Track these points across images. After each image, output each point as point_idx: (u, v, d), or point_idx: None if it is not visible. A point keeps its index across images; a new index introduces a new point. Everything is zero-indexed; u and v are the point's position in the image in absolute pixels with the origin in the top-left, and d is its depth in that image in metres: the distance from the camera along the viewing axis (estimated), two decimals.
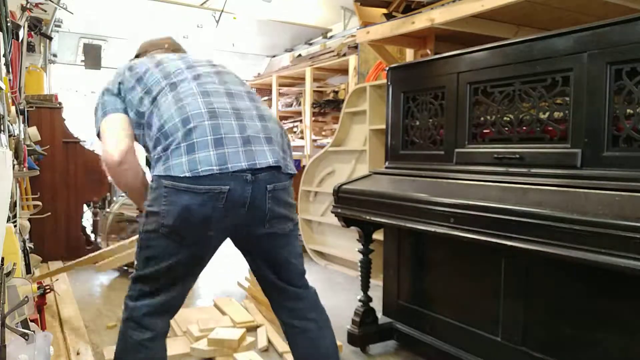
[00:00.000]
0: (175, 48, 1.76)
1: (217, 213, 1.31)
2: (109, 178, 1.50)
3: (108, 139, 1.43)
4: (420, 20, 2.64)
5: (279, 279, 1.53)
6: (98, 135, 1.50)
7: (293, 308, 1.55)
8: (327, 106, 5.35)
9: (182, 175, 1.27)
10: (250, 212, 1.37)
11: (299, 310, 1.54)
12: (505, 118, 1.86)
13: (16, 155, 2.10)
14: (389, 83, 2.36)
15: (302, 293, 1.56)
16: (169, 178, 1.29)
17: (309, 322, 1.54)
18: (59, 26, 5.53)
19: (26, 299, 0.99)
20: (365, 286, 2.36)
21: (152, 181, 1.37)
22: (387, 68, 2.41)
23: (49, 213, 3.23)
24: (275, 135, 1.43)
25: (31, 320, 1.25)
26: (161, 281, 1.40)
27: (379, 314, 2.42)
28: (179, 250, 1.36)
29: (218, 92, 1.42)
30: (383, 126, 2.59)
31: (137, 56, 1.75)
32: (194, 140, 1.29)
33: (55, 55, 6.20)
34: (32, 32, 3.88)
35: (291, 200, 1.49)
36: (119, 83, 1.50)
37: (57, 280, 3.30)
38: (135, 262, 1.44)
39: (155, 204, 1.34)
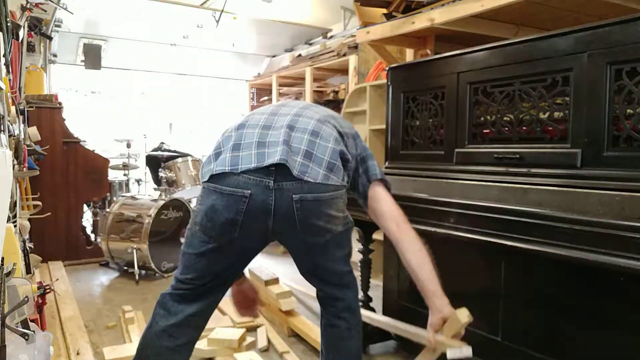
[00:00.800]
0: None
1: (240, 217, 1.37)
2: None
3: None
4: (420, 20, 2.64)
5: (316, 278, 1.57)
6: None
7: (329, 305, 1.59)
8: (327, 106, 5.35)
9: (207, 178, 1.39)
10: (280, 221, 1.39)
11: (334, 308, 1.58)
12: (505, 118, 1.86)
13: (16, 155, 2.10)
14: (389, 83, 2.36)
15: (338, 293, 1.57)
16: (203, 182, 1.43)
17: (339, 320, 1.57)
18: (59, 26, 5.53)
19: (26, 299, 0.99)
20: (365, 286, 2.36)
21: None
22: (387, 68, 2.41)
23: (49, 213, 3.23)
24: (297, 141, 1.41)
25: (31, 320, 1.25)
26: (194, 277, 1.46)
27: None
28: (207, 248, 1.43)
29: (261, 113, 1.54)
30: (383, 126, 2.59)
31: None
32: (221, 149, 1.44)
33: (55, 55, 6.20)
34: (32, 32, 3.88)
35: (332, 212, 1.43)
36: None
37: (57, 280, 3.30)
38: None
39: (196, 204, 1.48)
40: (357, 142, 1.61)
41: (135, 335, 2.48)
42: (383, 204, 1.57)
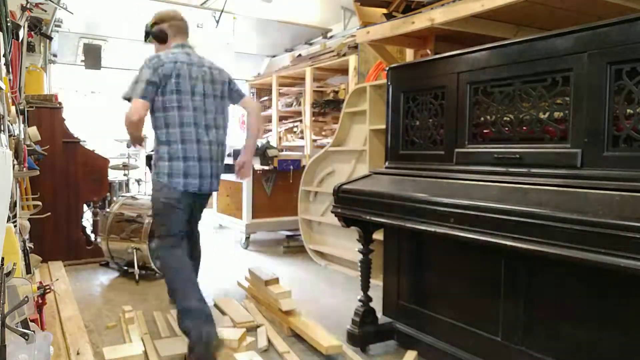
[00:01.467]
0: (186, 41, 2.68)
1: (191, 200, 2.55)
2: (126, 125, 2.45)
3: (136, 108, 2.39)
4: (420, 20, 2.64)
5: (195, 225, 2.80)
6: (127, 99, 2.48)
7: (196, 241, 2.83)
8: (327, 106, 5.35)
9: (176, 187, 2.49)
10: (197, 201, 2.61)
11: (197, 242, 2.84)
12: (505, 118, 1.86)
13: (16, 155, 2.10)
14: (389, 83, 2.36)
15: (196, 234, 2.84)
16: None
17: (198, 249, 2.85)
18: (59, 26, 5.53)
19: (26, 299, 0.99)
20: (365, 286, 2.36)
21: (157, 174, 2.51)
22: (387, 68, 2.41)
23: (49, 213, 3.22)
24: (218, 169, 2.60)
25: (31, 320, 1.25)
26: (181, 228, 2.51)
27: (379, 314, 2.42)
28: (182, 212, 2.50)
29: (200, 125, 2.51)
30: (383, 126, 2.59)
31: (155, 24, 2.76)
32: (180, 171, 2.47)
33: (55, 55, 6.20)
34: (32, 32, 3.87)
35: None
36: (164, 75, 2.42)
37: (57, 280, 3.30)
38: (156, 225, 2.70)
39: (162, 187, 2.47)
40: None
41: (135, 335, 2.48)
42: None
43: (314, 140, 5.55)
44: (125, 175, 5.28)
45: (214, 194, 5.50)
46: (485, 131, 1.94)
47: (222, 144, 2.60)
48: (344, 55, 4.97)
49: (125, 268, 3.78)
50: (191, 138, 2.43)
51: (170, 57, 2.46)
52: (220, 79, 2.61)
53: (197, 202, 2.60)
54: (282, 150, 5.78)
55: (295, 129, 6.01)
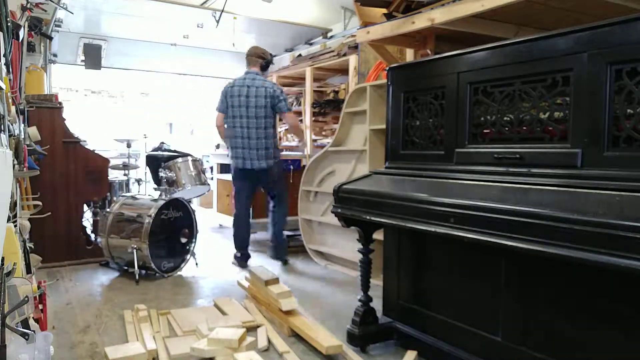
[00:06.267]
0: (249, 69, 4.13)
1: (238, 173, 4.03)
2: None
3: (216, 118, 4.16)
4: (420, 20, 2.64)
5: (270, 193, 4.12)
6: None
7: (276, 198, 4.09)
8: (327, 106, 5.35)
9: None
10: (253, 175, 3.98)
11: (277, 200, 4.10)
12: (505, 118, 1.87)
13: (16, 155, 2.10)
14: (389, 83, 2.36)
15: (277, 194, 4.12)
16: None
17: (279, 201, 4.12)
18: (59, 26, 5.53)
19: (26, 298, 0.99)
20: (365, 286, 2.36)
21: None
22: (387, 68, 2.41)
23: (49, 213, 3.23)
24: (257, 155, 3.91)
25: (35, 320, 1.25)
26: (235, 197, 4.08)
27: (379, 314, 2.42)
28: (235, 183, 4.15)
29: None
30: (383, 126, 2.60)
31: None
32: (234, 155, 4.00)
33: (55, 55, 6.20)
34: (32, 32, 3.88)
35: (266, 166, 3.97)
36: (226, 94, 4.10)
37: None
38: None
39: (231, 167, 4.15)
40: None
41: (148, 334, 2.46)
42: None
43: (314, 140, 5.55)
44: (125, 175, 5.28)
45: (214, 192, 5.79)
46: (485, 131, 1.94)
47: (260, 138, 3.90)
48: (344, 55, 4.97)
49: (126, 268, 3.78)
50: (237, 135, 3.91)
51: (235, 82, 3.99)
52: (263, 94, 3.90)
53: (254, 175, 3.95)
54: (282, 150, 5.78)
55: None
